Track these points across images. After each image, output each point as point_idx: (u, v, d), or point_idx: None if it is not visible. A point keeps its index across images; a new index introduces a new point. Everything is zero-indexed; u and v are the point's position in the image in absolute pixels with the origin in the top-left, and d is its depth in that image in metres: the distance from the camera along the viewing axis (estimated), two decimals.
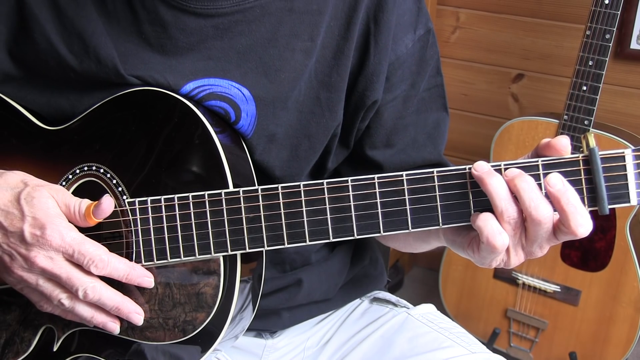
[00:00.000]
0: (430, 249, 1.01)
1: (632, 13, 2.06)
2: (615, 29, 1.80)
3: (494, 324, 2.22)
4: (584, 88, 1.86)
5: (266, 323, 1.10)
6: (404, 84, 1.01)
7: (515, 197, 0.77)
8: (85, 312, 0.86)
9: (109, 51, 0.90)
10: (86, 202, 0.86)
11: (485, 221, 0.77)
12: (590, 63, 1.84)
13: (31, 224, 0.83)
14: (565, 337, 2.12)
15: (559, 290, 2.09)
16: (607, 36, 1.81)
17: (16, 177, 0.87)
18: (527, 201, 0.75)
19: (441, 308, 2.23)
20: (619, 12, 1.79)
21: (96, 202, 0.85)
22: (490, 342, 2.21)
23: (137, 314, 0.87)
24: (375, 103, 0.99)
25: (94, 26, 0.90)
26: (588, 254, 2.01)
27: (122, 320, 0.89)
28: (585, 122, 1.89)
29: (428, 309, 1.16)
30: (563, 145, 0.78)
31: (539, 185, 0.77)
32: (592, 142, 0.76)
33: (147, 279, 0.87)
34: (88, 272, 0.84)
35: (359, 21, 0.95)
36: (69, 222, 0.85)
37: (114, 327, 0.88)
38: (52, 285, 0.85)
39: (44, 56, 0.92)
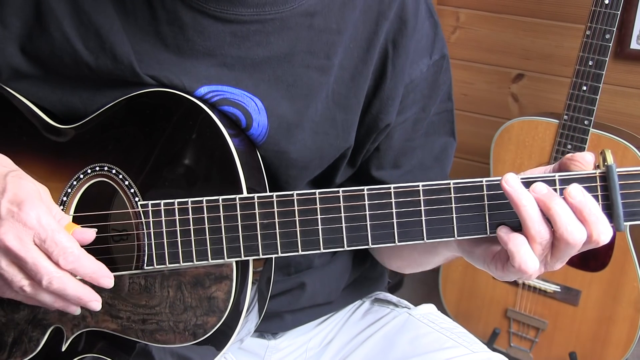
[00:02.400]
0: (440, 261, 1.00)
1: (632, 13, 2.06)
2: (615, 29, 1.81)
3: (494, 324, 2.22)
4: (584, 88, 1.87)
5: (269, 325, 1.10)
6: (415, 107, 1.02)
7: (545, 217, 0.76)
8: (47, 299, 0.83)
9: (126, 48, 0.90)
10: (68, 218, 0.85)
11: (518, 246, 0.76)
12: (590, 63, 1.84)
13: (10, 199, 0.80)
14: (565, 337, 2.12)
15: (559, 290, 2.09)
16: (607, 36, 1.81)
17: (9, 160, 0.86)
18: (564, 225, 0.75)
19: (441, 308, 2.23)
20: (619, 12, 1.79)
21: (81, 226, 0.85)
22: (490, 342, 2.21)
23: (96, 302, 0.84)
24: (388, 126, 0.99)
25: (111, 23, 0.90)
26: (588, 254, 1.98)
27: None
28: (585, 122, 1.89)
29: (429, 309, 1.16)
30: (587, 161, 0.78)
31: None
32: (610, 159, 0.76)
33: (108, 280, 0.84)
34: (55, 263, 0.80)
35: (379, 44, 0.96)
36: None
37: (75, 309, 0.86)
38: (14, 269, 0.81)
39: (59, 52, 0.91)
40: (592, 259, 2.02)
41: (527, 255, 0.76)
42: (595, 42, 1.83)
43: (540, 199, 0.76)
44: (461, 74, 2.42)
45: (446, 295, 2.30)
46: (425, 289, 2.65)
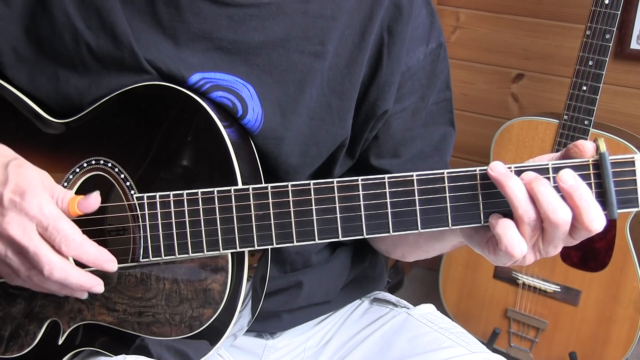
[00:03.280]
0: (447, 247, 1.00)
1: (632, 13, 2.07)
2: (615, 29, 1.81)
3: (494, 324, 2.22)
4: (584, 88, 1.87)
5: (266, 325, 1.10)
6: (413, 96, 1.02)
7: (533, 200, 0.77)
8: (53, 287, 0.85)
9: (125, 28, 0.90)
10: (71, 193, 0.86)
11: (505, 229, 0.77)
12: (590, 63, 1.84)
13: (12, 189, 0.81)
14: (565, 337, 2.12)
15: (559, 290, 2.09)
16: (607, 36, 1.81)
17: (8, 149, 0.87)
18: (545, 204, 0.75)
19: (441, 308, 2.23)
20: (619, 12, 1.79)
21: (83, 195, 0.85)
22: (490, 342, 2.21)
23: (99, 286, 0.86)
24: (386, 113, 0.99)
25: (112, 3, 0.90)
26: (588, 254, 2.02)
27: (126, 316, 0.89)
28: (585, 122, 1.89)
29: (428, 309, 1.16)
30: (586, 149, 0.78)
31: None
32: (603, 147, 0.76)
33: (112, 264, 0.85)
34: (57, 251, 0.81)
35: (374, 32, 0.96)
36: None
37: (82, 294, 0.87)
38: (19, 260, 0.82)
39: (60, 30, 0.91)
40: (592, 259, 2.02)
41: (513, 238, 0.77)
42: (595, 42, 1.83)
43: (526, 183, 0.77)
44: (461, 74, 2.43)
45: (446, 295, 2.30)
46: (425, 289, 2.65)
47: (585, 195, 0.75)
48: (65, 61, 0.92)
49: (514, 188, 0.76)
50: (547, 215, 0.76)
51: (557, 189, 0.76)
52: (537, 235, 0.79)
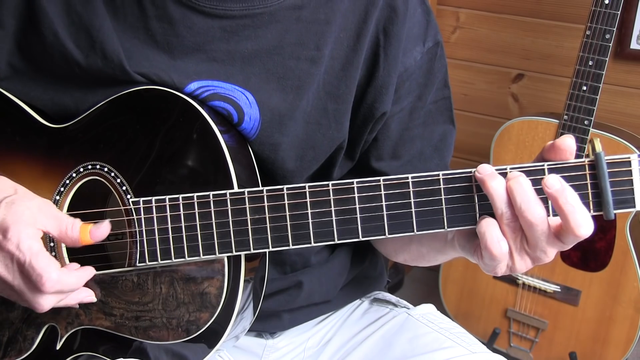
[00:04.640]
0: (449, 258, 1.00)
1: (632, 13, 2.06)
2: (615, 29, 1.80)
3: (494, 324, 2.22)
4: (584, 88, 1.86)
5: (266, 325, 1.10)
6: (411, 96, 1.02)
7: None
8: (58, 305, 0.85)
9: (115, 47, 0.90)
10: (79, 221, 0.84)
11: (487, 227, 0.78)
12: (590, 63, 1.84)
13: None
14: (565, 337, 2.11)
15: (559, 290, 2.08)
16: (607, 36, 1.81)
17: (9, 183, 0.86)
18: (519, 202, 0.76)
19: (441, 308, 2.22)
20: (619, 12, 1.79)
21: (95, 222, 0.84)
22: (490, 342, 2.21)
23: (89, 297, 0.88)
24: (384, 115, 0.99)
25: (101, 21, 0.91)
26: (588, 254, 2.01)
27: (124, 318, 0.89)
28: (585, 122, 1.88)
29: (428, 309, 1.16)
30: (568, 145, 0.77)
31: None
32: (598, 147, 0.76)
33: (91, 275, 0.87)
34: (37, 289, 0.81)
35: (369, 33, 0.96)
36: (58, 237, 0.83)
37: (91, 299, 0.89)
38: (15, 295, 0.83)
39: (50, 50, 0.92)
40: (592, 259, 2.02)
41: (493, 235, 0.77)
42: (595, 42, 1.82)
43: (507, 181, 0.77)
44: (461, 74, 2.42)
45: (446, 295, 2.30)
46: (425, 289, 2.65)
47: (571, 200, 0.75)
48: (60, 75, 0.93)
49: (495, 187, 0.76)
50: (520, 213, 0.76)
51: (543, 188, 0.76)
52: (520, 237, 0.78)
